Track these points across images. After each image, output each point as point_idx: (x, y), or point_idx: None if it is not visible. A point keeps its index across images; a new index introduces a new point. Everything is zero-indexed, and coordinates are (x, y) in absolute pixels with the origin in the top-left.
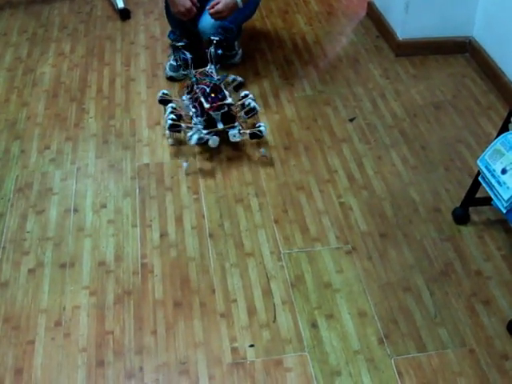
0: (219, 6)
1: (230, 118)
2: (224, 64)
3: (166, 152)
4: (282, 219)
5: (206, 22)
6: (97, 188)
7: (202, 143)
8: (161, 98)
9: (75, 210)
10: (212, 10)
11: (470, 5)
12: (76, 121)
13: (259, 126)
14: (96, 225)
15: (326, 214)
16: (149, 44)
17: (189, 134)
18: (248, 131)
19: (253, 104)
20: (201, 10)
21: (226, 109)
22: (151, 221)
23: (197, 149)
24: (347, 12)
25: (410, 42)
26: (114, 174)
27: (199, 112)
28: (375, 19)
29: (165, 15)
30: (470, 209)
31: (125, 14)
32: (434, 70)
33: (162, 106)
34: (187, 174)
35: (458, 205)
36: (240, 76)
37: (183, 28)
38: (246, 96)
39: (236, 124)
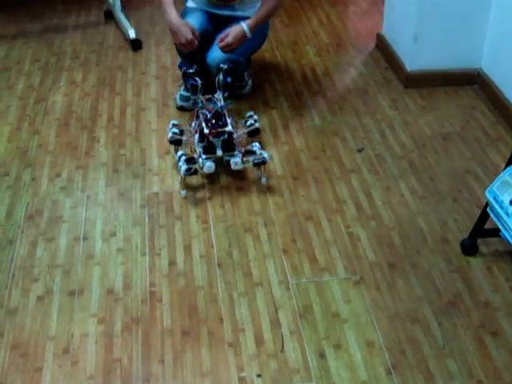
0: (229, 39)
1: (230, 146)
2: (234, 94)
3: (176, 181)
4: (290, 249)
5: (214, 55)
6: (106, 216)
7: (192, 173)
8: (171, 139)
9: (85, 238)
10: (222, 44)
11: (478, 37)
12: (87, 149)
13: (262, 154)
14: (105, 253)
15: (335, 244)
16: (160, 74)
17: (179, 163)
18: (251, 159)
19: (257, 124)
20: (209, 44)
21: (226, 136)
22: (160, 249)
23: (206, 179)
24: (356, 44)
25: (419, 73)
26: (123, 202)
27: (200, 137)
28: (384, 51)
29: (174, 46)
30: (479, 240)
31: (136, 45)
32: (443, 102)
33: None
34: (196, 203)
35: (466, 236)
36: (251, 107)
37: (192, 59)
38: (251, 117)
39: (236, 152)
